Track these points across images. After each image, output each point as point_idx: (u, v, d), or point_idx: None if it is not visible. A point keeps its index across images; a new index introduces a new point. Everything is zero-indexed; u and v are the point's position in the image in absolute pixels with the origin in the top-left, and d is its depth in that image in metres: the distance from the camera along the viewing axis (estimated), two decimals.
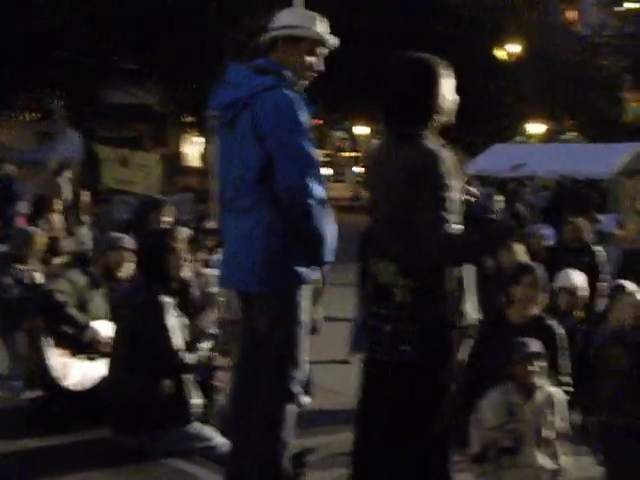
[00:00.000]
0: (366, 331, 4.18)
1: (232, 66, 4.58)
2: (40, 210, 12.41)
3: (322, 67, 4.56)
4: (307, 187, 4.20)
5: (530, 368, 5.11)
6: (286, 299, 4.34)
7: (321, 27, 4.51)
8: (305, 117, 4.29)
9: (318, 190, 4.24)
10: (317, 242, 4.29)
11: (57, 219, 12.05)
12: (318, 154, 4.37)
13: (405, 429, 4.05)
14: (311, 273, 4.38)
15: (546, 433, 5.20)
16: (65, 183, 18.50)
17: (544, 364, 5.20)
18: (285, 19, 4.51)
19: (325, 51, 4.54)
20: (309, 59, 4.48)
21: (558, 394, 5.35)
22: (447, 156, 3.96)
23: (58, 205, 12.46)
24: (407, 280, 3.95)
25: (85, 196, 17.86)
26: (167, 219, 7.01)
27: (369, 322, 4.14)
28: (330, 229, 4.33)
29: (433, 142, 4.00)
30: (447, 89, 4.12)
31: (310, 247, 4.32)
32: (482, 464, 5.08)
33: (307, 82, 4.55)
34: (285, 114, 4.23)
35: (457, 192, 3.96)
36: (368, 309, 4.18)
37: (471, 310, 4.18)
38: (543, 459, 5.18)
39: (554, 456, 5.26)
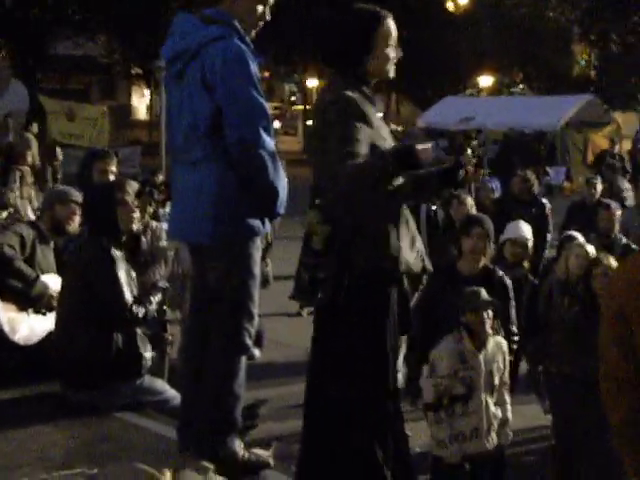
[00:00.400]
0: (295, 279, 4.20)
1: (180, 15, 4.50)
2: (10, 162, 12.32)
3: (269, 17, 4.50)
4: (258, 139, 4.15)
5: (482, 316, 5.18)
6: (238, 251, 4.32)
7: None
8: (254, 68, 4.25)
9: (269, 142, 4.20)
10: (269, 194, 4.26)
11: (28, 173, 11.99)
12: (268, 106, 4.34)
13: (335, 383, 4.10)
14: (263, 225, 4.37)
15: (497, 381, 5.29)
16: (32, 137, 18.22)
17: (492, 313, 5.28)
18: None
19: (272, 0, 4.48)
20: (259, 8, 4.42)
21: (504, 344, 5.43)
22: (350, 97, 4.00)
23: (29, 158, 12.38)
24: (324, 227, 3.97)
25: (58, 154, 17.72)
26: (112, 170, 6.89)
27: (297, 270, 4.16)
28: (281, 182, 4.29)
29: (352, 90, 4.04)
30: (384, 43, 4.14)
31: (262, 199, 4.28)
32: (436, 412, 5.15)
33: (254, 32, 4.50)
34: (234, 65, 4.17)
35: (370, 137, 3.97)
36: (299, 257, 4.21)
37: (413, 259, 4.15)
38: (494, 407, 5.27)
39: (504, 405, 5.36)
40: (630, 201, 12.34)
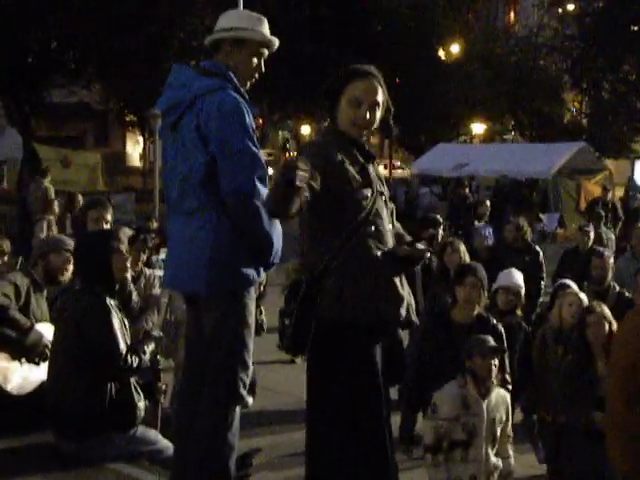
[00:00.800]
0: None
1: (177, 67, 4.55)
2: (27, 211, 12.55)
3: (262, 68, 4.56)
4: (253, 189, 4.18)
5: (489, 362, 5.17)
6: (233, 301, 4.33)
7: (265, 29, 4.51)
8: (249, 119, 4.29)
9: (264, 192, 4.21)
10: (264, 244, 4.29)
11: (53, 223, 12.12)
12: (262, 155, 4.37)
13: (319, 433, 4.09)
14: (257, 275, 4.38)
15: (499, 432, 5.26)
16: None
17: (498, 362, 5.28)
18: (230, 21, 4.48)
19: (266, 52, 4.54)
20: (254, 61, 4.47)
21: (508, 397, 5.41)
22: (323, 145, 4.07)
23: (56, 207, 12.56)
24: (294, 275, 4.01)
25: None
26: (107, 218, 6.91)
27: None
28: (276, 231, 4.32)
29: (329, 139, 4.13)
30: (347, 104, 4.13)
31: (257, 249, 4.31)
32: (435, 455, 5.12)
33: (250, 83, 4.55)
34: (229, 116, 4.21)
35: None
36: None
37: (397, 309, 4.13)
38: (495, 457, 5.23)
39: (507, 458, 5.32)
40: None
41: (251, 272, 4.31)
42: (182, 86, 4.36)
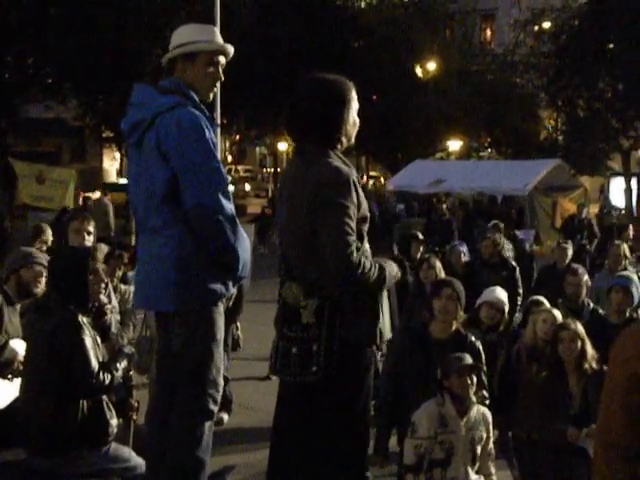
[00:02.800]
0: (275, 353, 4.18)
1: (137, 87, 4.59)
2: None
3: (221, 76, 4.55)
4: (215, 203, 4.20)
5: (466, 381, 5.16)
6: (201, 317, 4.31)
7: (216, 37, 4.52)
8: (209, 134, 4.29)
9: (227, 206, 4.24)
10: (229, 258, 4.28)
11: None
12: (225, 171, 4.40)
13: (318, 451, 4.09)
14: (225, 290, 4.36)
15: (480, 450, 5.24)
16: None
17: (476, 379, 5.27)
18: (181, 37, 4.52)
19: (222, 60, 4.53)
20: (209, 70, 4.47)
21: (489, 415, 5.39)
22: (348, 173, 4.02)
23: None
24: (310, 300, 3.98)
25: None
26: (89, 230, 6.88)
27: (278, 344, 4.17)
28: (242, 244, 4.32)
29: (337, 160, 4.08)
30: (353, 113, 4.22)
31: (222, 263, 4.30)
32: (416, 475, 5.10)
33: (212, 94, 4.57)
34: (188, 131, 4.23)
35: (358, 208, 4.03)
36: (278, 330, 4.19)
37: (385, 328, 4.21)
38: (476, 475, 5.21)
39: (489, 476, 5.30)
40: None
41: (218, 287, 4.30)
42: (142, 105, 4.40)
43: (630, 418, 2.59)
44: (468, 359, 5.26)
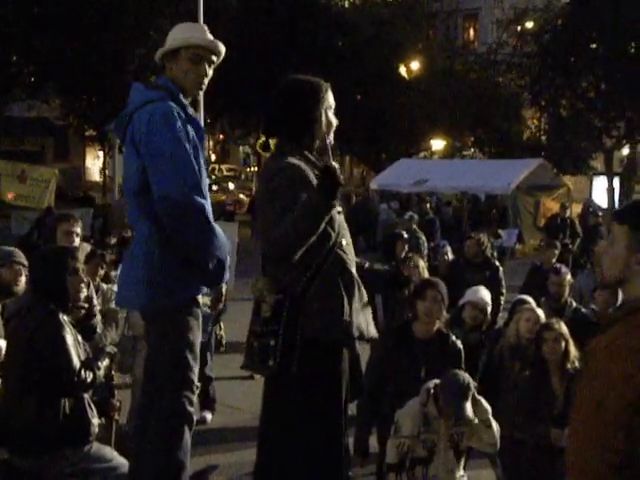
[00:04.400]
0: (245, 348, 4.16)
1: (133, 85, 4.57)
2: None
3: (210, 73, 4.53)
4: (184, 196, 4.08)
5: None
6: (171, 318, 4.25)
7: (203, 34, 4.50)
8: (186, 127, 4.24)
9: (197, 199, 4.12)
10: (199, 256, 4.17)
11: None
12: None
13: (294, 449, 4.06)
14: (197, 290, 4.31)
15: (464, 444, 5.24)
16: None
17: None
18: (167, 38, 4.54)
19: (212, 57, 4.51)
20: (194, 67, 4.46)
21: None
22: (297, 170, 4.01)
23: None
24: (270, 295, 3.96)
25: None
26: (77, 231, 6.87)
27: (247, 339, 4.15)
28: (216, 242, 4.20)
29: (296, 158, 4.07)
30: (328, 113, 4.22)
31: (196, 260, 4.19)
32: (398, 474, 5.10)
33: (200, 90, 4.56)
34: (159, 122, 4.18)
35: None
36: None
37: (365, 324, 4.15)
38: (462, 471, 5.21)
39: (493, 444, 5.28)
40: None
41: (189, 289, 4.24)
42: (130, 102, 4.40)
43: (632, 441, 2.45)
44: (465, 381, 5.14)
